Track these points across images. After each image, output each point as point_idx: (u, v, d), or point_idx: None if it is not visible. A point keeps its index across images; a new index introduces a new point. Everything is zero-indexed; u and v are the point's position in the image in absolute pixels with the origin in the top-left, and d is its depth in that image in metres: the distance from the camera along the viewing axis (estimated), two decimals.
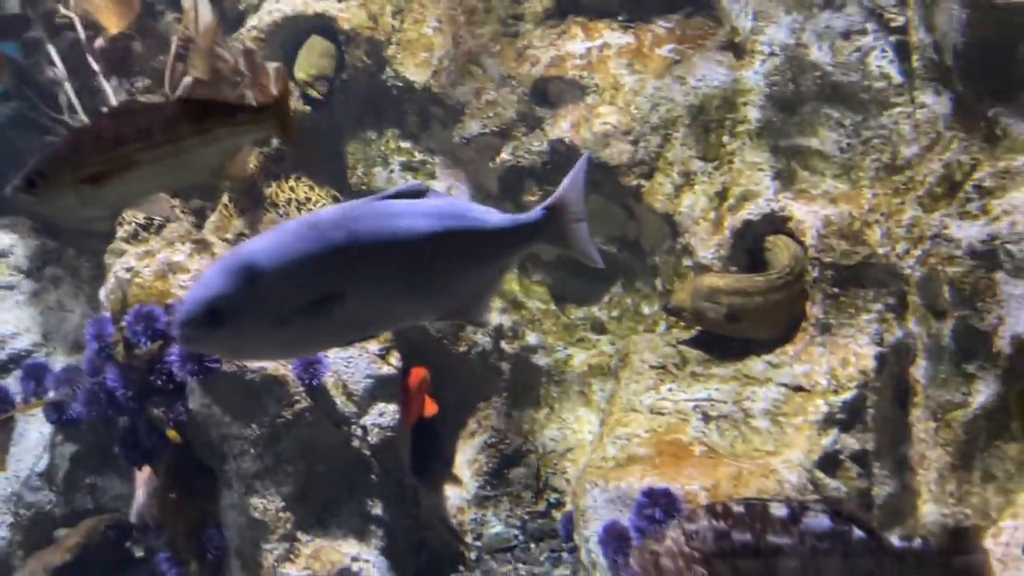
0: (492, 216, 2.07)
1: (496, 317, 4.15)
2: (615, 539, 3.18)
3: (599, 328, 4.24)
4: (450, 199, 2.09)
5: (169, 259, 3.57)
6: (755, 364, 3.61)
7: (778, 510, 2.42)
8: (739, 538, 2.41)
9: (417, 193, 1.94)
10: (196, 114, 2.02)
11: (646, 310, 4.17)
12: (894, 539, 2.38)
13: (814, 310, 3.54)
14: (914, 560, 2.33)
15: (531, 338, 4.21)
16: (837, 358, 3.47)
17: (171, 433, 3.27)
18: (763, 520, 2.42)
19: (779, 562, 2.38)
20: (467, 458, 4.06)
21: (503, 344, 4.16)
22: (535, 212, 2.17)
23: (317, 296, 1.75)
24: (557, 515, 3.97)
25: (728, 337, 3.71)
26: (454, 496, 4.00)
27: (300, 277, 1.74)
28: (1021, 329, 2.92)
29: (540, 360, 4.20)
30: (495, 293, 2.39)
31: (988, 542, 2.71)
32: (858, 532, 2.38)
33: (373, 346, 3.63)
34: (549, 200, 2.23)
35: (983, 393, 3.09)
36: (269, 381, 3.33)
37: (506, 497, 3.99)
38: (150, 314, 3.23)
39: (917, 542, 2.37)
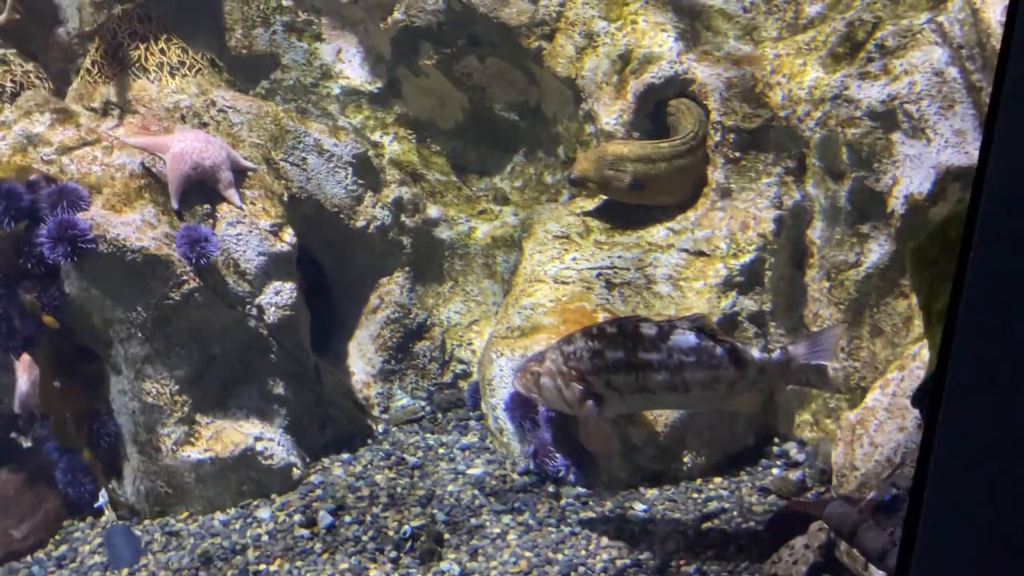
0: None
1: (395, 190, 4.03)
2: (521, 405, 3.24)
3: (502, 199, 4.22)
4: None
5: (27, 131, 3.30)
6: (657, 231, 3.63)
7: (648, 329, 2.54)
8: (612, 355, 2.53)
9: None
10: None
11: (549, 179, 4.14)
12: (754, 351, 2.55)
13: (716, 175, 3.54)
14: (773, 368, 2.51)
15: (432, 211, 4.13)
16: (737, 222, 3.50)
17: (48, 319, 3.06)
18: (634, 339, 2.54)
19: (649, 375, 2.52)
20: (370, 333, 3.97)
21: (403, 218, 4.06)
22: None
23: None
24: (464, 385, 3.96)
25: (632, 205, 3.70)
26: (359, 372, 3.95)
27: None
28: (915, 189, 2.93)
29: (442, 233, 4.14)
30: None
31: (876, 392, 2.80)
32: (721, 347, 2.52)
33: (264, 222, 3.46)
34: None
35: (876, 253, 3.13)
36: (152, 261, 3.17)
37: (412, 370, 3.97)
38: (11, 192, 2.99)
39: (776, 353, 2.53)
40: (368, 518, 3.06)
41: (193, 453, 3.21)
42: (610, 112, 3.71)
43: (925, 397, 1.86)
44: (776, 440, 3.44)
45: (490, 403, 3.43)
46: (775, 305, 3.46)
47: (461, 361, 4.02)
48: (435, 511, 3.09)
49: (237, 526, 3.12)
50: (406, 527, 2.99)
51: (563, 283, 3.53)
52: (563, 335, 3.20)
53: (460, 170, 4.27)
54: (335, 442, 3.60)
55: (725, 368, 2.52)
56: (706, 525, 2.95)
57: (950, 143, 2.86)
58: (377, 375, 3.95)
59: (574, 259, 3.61)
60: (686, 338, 2.54)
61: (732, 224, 3.51)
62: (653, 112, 3.71)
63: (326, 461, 3.53)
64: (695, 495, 3.14)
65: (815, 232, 3.37)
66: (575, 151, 3.97)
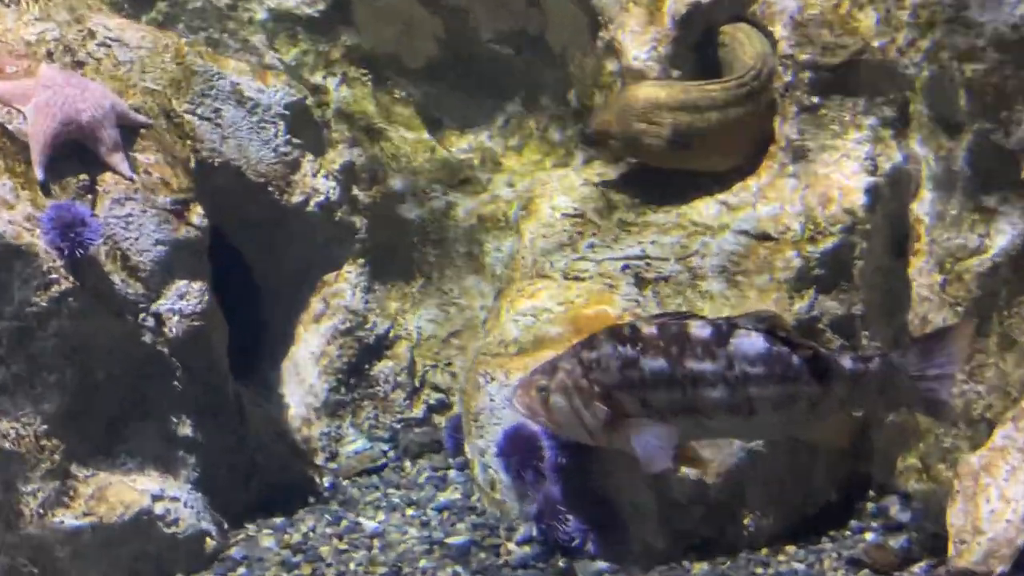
0: None
1: (344, 152, 4.07)
2: (521, 449, 3.25)
3: (492, 164, 4.22)
4: None
5: None
6: (706, 206, 3.66)
7: (700, 330, 2.58)
8: (651, 365, 2.57)
9: None
10: None
11: (556, 136, 4.16)
12: (846, 359, 2.61)
13: (786, 129, 3.59)
14: (871, 383, 2.57)
15: (396, 181, 4.15)
16: (815, 193, 3.52)
17: None
18: (681, 342, 2.57)
19: (702, 392, 2.58)
20: (312, 351, 4.01)
21: (356, 191, 4.09)
22: None
23: None
24: (440, 421, 4.00)
25: (671, 170, 3.73)
26: (296, 404, 3.98)
27: None
28: None
29: (410, 212, 4.16)
30: None
31: (1007, 427, 2.81)
32: (800, 354, 2.60)
33: (164, 197, 3.42)
34: None
35: (1006, 235, 3.13)
36: (9, 254, 3.13)
37: (369, 401, 4.01)
38: None
39: (875, 362, 2.59)
40: None
41: (68, 518, 3.18)
42: (640, 43, 3.73)
43: None
44: (871, 494, 3.45)
45: (477, 446, 3.44)
46: (868, 307, 3.47)
47: (437, 388, 4.06)
48: None
49: None
50: None
51: (576, 279, 3.56)
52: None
53: (434, 125, 4.29)
54: (264, 501, 3.60)
55: (805, 383, 2.56)
56: None
57: None
58: (322, 408, 3.97)
59: (591, 246, 3.64)
60: (752, 342, 2.58)
61: (808, 196, 3.54)
62: (700, 42, 3.75)
63: (252, 528, 3.51)
64: (759, 570, 3.15)
65: (923, 207, 3.37)
66: (592, 97, 4.00)
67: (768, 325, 2.65)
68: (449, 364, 4.07)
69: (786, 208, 3.56)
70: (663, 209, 3.71)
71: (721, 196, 3.67)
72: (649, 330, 2.65)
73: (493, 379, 3.40)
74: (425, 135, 4.26)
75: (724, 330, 2.63)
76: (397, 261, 4.18)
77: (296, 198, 3.97)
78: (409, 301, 4.16)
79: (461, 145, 4.29)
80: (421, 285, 4.18)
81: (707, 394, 2.61)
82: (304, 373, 4.01)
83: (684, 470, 3.08)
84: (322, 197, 4.02)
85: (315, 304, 4.07)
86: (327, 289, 4.08)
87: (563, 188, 3.83)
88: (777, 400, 2.60)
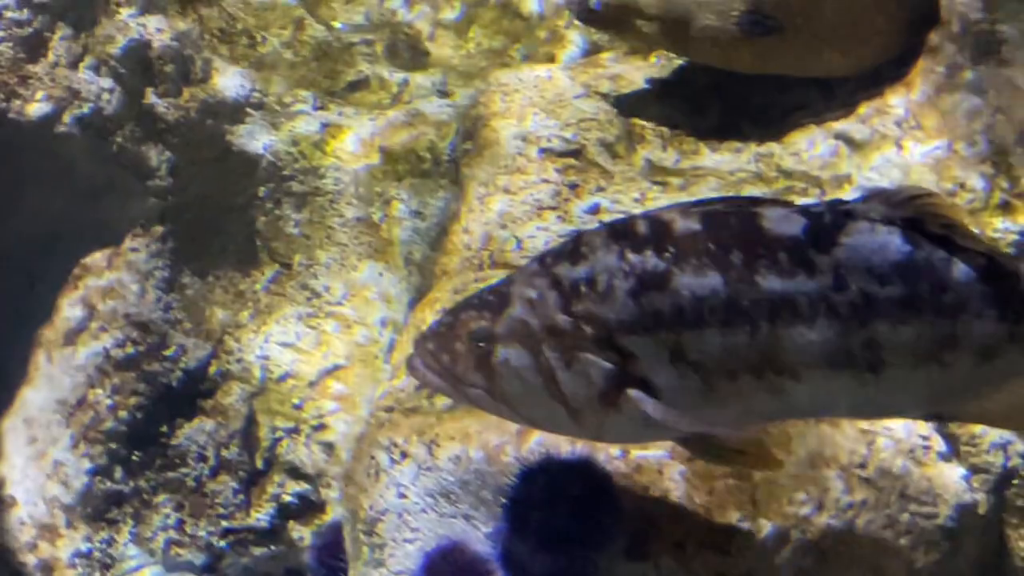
0: None
1: (131, 24, 3.82)
2: None
3: (409, 51, 4.19)
4: None
5: None
6: (810, 142, 3.55)
7: (784, 222, 2.48)
8: (691, 285, 2.49)
9: None
10: None
11: (533, 2, 4.23)
12: None
13: (959, 1, 3.48)
14: None
15: (228, 81, 3.94)
16: (1014, 123, 3.47)
17: None
18: (747, 244, 2.48)
19: (784, 332, 2.43)
20: (60, 397, 3.76)
21: (152, 96, 3.80)
22: None
23: None
24: (303, 534, 3.76)
25: (745, 75, 3.59)
26: (29, 495, 3.75)
27: None
28: None
29: (253, 139, 3.95)
30: None
31: None
32: (968, 262, 2.44)
33: None
34: None
35: None
36: None
37: (168, 494, 3.77)
38: None
39: None
40: None
41: None
42: None
43: None
44: None
45: None
46: None
47: (296, 473, 3.83)
48: None
49: None
50: None
51: None
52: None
53: None
54: None
55: (975, 314, 2.38)
56: None
57: None
58: (77, 506, 3.72)
59: (595, 211, 3.47)
60: (879, 241, 2.45)
61: (1001, 129, 3.43)
62: None
63: None
64: None
65: None
66: None
67: (910, 211, 2.39)
68: (321, 428, 3.80)
69: (959, 149, 3.41)
70: (731, 145, 3.53)
71: (838, 124, 3.50)
72: (686, 224, 2.41)
73: (406, 456, 3.07)
74: None
75: (829, 221, 2.42)
76: (226, 232, 3.93)
77: (35, 107, 3.71)
78: (248, 308, 3.94)
79: (352, 17, 4.21)
80: (270, 278, 3.95)
81: (796, 335, 2.39)
82: (44, 439, 3.79)
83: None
84: (87, 107, 3.73)
85: (67, 309, 3.80)
86: (92, 281, 3.83)
87: (544, 101, 3.69)
88: (922, 345, 2.38)
